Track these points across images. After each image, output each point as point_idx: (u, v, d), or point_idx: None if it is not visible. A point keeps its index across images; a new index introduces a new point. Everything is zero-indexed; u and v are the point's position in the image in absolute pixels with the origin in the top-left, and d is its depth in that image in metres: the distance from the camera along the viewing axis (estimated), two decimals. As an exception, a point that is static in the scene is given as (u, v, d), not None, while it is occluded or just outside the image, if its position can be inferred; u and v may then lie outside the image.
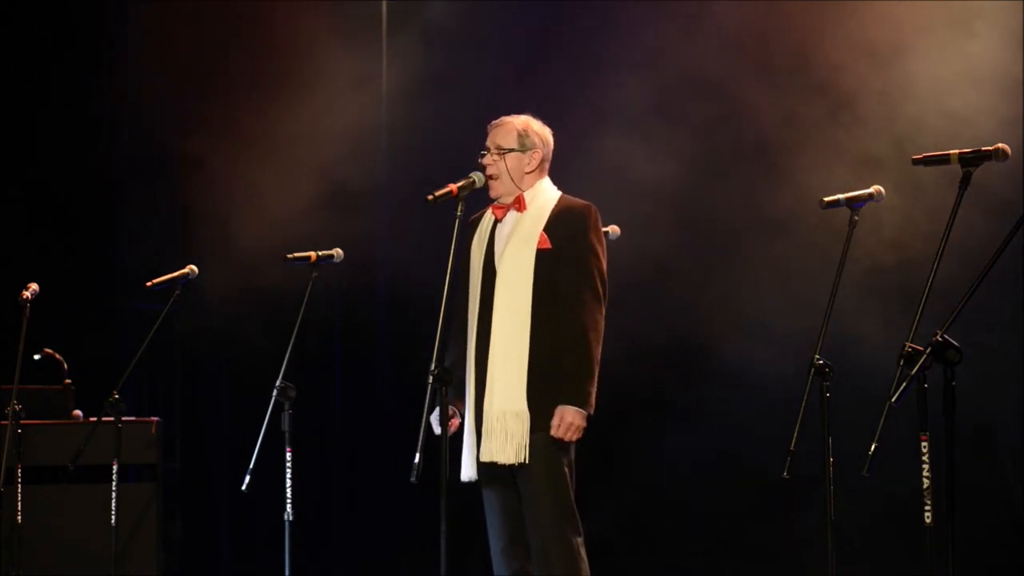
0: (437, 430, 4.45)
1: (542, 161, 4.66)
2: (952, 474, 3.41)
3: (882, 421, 3.44)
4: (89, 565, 6.24)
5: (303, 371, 5.48)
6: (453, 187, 4.45)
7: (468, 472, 4.54)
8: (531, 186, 4.63)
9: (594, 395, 4.47)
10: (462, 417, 4.61)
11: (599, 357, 4.49)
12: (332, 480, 7.95)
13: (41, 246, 7.65)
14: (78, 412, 6.67)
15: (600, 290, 4.52)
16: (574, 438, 4.44)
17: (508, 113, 4.71)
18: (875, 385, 4.29)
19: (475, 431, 4.52)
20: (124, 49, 7.90)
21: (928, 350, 3.35)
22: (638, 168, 7.09)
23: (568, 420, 4.42)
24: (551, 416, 4.43)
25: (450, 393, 4.49)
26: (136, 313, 7.56)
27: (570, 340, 4.45)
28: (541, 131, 4.68)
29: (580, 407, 4.43)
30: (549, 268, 4.50)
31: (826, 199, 4.31)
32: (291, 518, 5.29)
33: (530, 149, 4.62)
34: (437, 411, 4.41)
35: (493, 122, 4.69)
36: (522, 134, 4.63)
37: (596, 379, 4.48)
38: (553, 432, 4.41)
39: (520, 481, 4.48)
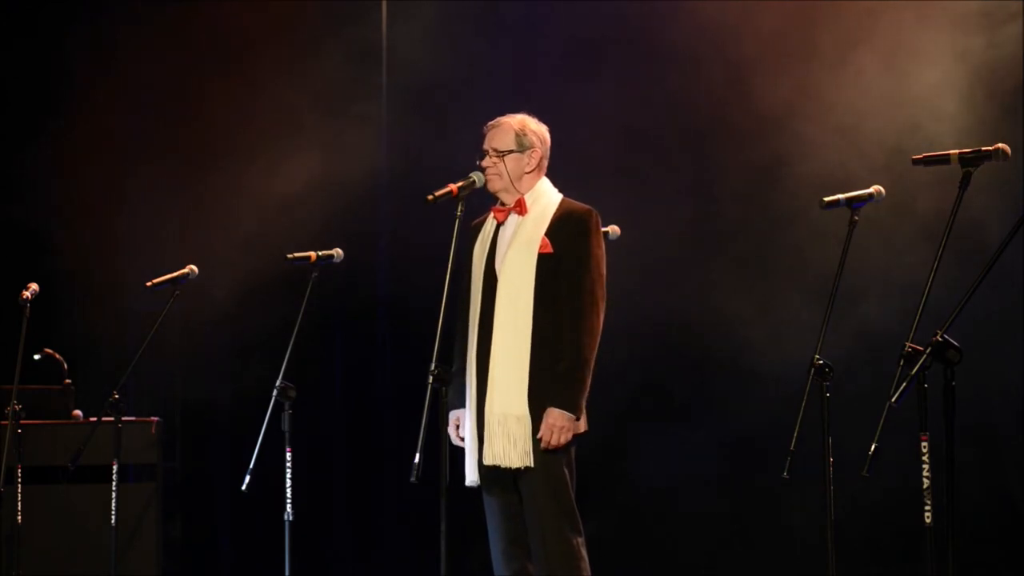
0: (455, 441, 4.55)
1: (541, 160, 4.65)
2: (952, 474, 3.41)
3: (882, 421, 3.44)
4: (89, 565, 6.24)
5: (303, 371, 5.47)
6: (453, 187, 4.45)
7: (472, 476, 4.54)
8: (531, 187, 4.62)
9: (584, 399, 4.45)
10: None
11: (594, 362, 4.47)
12: (332, 480, 7.95)
13: (41, 246, 7.65)
14: (78, 412, 6.67)
15: (599, 294, 4.50)
16: (559, 440, 4.42)
17: (508, 111, 4.71)
18: (876, 385, 4.30)
19: (477, 435, 4.52)
20: (126, 44, 7.90)
21: (928, 350, 3.35)
22: (638, 166, 7.10)
23: (551, 422, 4.40)
24: (550, 418, 4.44)
25: (452, 399, 4.52)
26: (136, 313, 7.56)
27: (567, 344, 4.45)
28: (538, 129, 4.66)
29: (566, 410, 4.42)
30: (550, 272, 4.49)
31: (826, 199, 4.31)
32: (291, 518, 5.30)
33: (528, 148, 4.61)
34: (453, 421, 4.55)
35: (489, 123, 4.66)
36: (519, 134, 4.61)
37: (588, 384, 4.46)
38: (540, 435, 4.41)
39: (521, 483, 4.48)
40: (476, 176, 4.54)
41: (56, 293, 6.56)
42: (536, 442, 4.42)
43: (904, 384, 3.33)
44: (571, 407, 4.42)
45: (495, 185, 4.60)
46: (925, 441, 3.56)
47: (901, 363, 3.42)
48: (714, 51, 6.91)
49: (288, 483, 5.28)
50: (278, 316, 6.45)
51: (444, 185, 4.45)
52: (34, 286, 5.82)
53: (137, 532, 6.42)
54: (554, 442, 4.40)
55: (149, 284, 5.82)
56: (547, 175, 4.69)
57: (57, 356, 6.70)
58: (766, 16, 6.79)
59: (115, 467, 5.77)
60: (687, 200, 7.06)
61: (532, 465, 4.42)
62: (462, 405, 4.60)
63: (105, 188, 7.84)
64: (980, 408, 6.23)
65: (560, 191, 4.67)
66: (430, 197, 4.42)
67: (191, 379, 7.94)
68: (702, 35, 6.92)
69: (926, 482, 3.56)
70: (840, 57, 6.66)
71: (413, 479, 4.12)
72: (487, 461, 4.46)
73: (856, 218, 4.28)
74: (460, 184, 4.47)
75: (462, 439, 4.59)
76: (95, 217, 7.88)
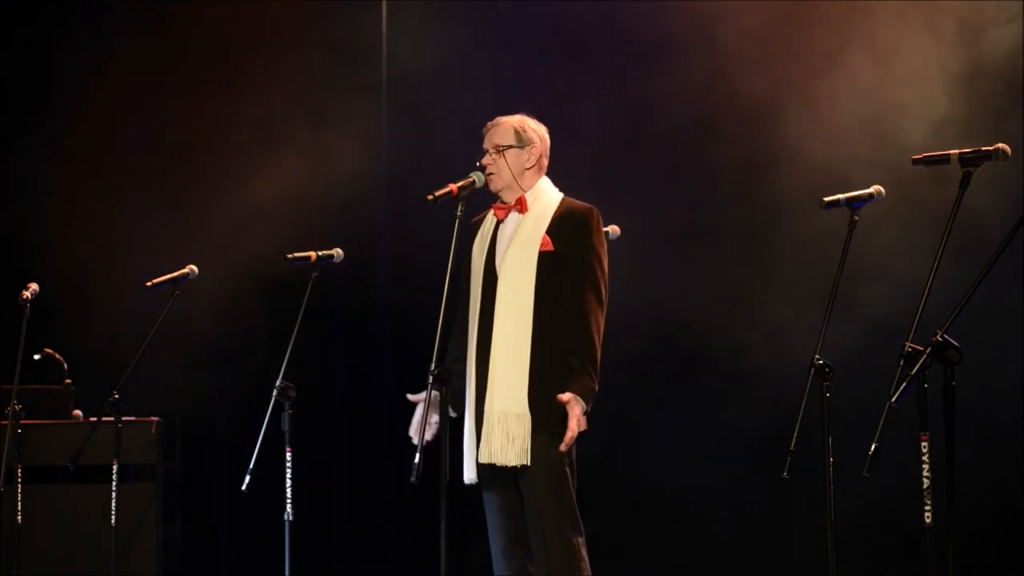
0: (414, 437, 4.49)
1: (540, 157, 4.65)
2: (952, 474, 3.41)
3: (882, 421, 3.44)
4: (89, 565, 6.24)
5: (303, 371, 5.46)
6: (453, 187, 4.45)
7: (469, 474, 4.53)
8: (531, 185, 4.62)
9: (594, 397, 4.46)
10: (460, 416, 4.59)
11: (600, 359, 4.48)
12: (332, 480, 7.95)
13: (41, 246, 7.65)
14: (78, 412, 6.67)
15: (602, 292, 4.51)
16: (575, 433, 4.42)
17: (507, 112, 4.71)
18: (876, 385, 4.29)
19: (475, 433, 4.52)
20: (125, 45, 7.90)
21: (928, 350, 3.35)
22: (638, 166, 7.11)
23: (579, 412, 4.39)
24: (552, 417, 4.42)
25: (448, 394, 4.51)
26: (136, 313, 7.56)
27: (574, 342, 4.44)
28: (537, 128, 4.68)
29: (586, 403, 4.42)
30: (551, 270, 4.49)
31: (826, 199, 4.30)
32: (291, 518, 5.30)
33: (528, 144, 4.62)
34: (418, 415, 4.48)
35: (488, 124, 4.68)
36: (519, 131, 4.62)
37: (597, 380, 4.47)
38: (569, 427, 4.39)
39: (521, 482, 4.48)
40: (476, 176, 4.54)
41: (56, 293, 6.56)
42: (535, 440, 4.41)
43: (904, 384, 3.33)
44: (587, 401, 4.41)
45: (496, 184, 4.60)
46: (925, 441, 3.56)
47: (901, 363, 3.42)
48: (714, 51, 6.91)
49: (288, 483, 5.28)
50: (278, 316, 6.45)
51: (444, 185, 4.45)
52: (34, 286, 5.82)
53: (137, 532, 6.42)
54: (575, 430, 4.38)
55: (149, 284, 5.81)
56: (547, 175, 4.69)
57: (57, 356, 6.71)
58: (766, 16, 6.80)
59: (115, 467, 5.77)
60: (687, 200, 7.07)
61: (528, 464, 4.42)
62: (459, 397, 4.59)
63: (104, 188, 7.84)
64: (980, 408, 6.23)
65: (560, 191, 4.67)
66: (430, 197, 4.41)
67: (191, 379, 7.94)
68: (701, 34, 6.92)
69: (926, 482, 3.56)
70: (839, 56, 6.66)
71: (413, 479, 4.12)
72: (483, 459, 4.45)
73: (856, 218, 4.28)
74: (460, 184, 4.47)
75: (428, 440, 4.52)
76: (95, 217, 7.88)
